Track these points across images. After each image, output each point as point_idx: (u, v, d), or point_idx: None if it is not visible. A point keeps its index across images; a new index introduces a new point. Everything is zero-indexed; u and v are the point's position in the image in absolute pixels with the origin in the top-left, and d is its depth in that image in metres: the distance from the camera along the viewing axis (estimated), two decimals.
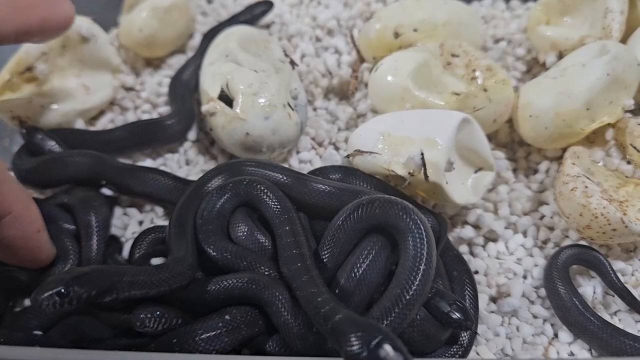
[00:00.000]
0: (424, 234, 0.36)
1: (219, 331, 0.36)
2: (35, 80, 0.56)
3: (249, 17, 0.64)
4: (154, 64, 0.63)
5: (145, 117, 0.59)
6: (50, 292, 0.32)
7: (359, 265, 0.37)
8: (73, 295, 0.33)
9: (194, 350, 0.35)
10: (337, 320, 0.32)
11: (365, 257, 0.37)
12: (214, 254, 0.41)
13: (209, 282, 0.39)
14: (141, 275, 0.36)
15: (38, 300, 0.33)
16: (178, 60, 0.63)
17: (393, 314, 0.34)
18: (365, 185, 0.48)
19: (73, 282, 0.33)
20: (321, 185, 0.44)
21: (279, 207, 0.41)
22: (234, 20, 0.63)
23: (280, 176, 0.45)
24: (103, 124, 0.58)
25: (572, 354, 0.45)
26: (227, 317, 0.37)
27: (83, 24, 0.56)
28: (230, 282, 0.38)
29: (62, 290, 0.33)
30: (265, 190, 0.42)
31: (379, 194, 0.43)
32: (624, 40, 0.61)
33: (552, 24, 0.63)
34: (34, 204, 0.41)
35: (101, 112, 0.59)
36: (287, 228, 0.40)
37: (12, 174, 0.50)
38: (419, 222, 0.36)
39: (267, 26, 0.68)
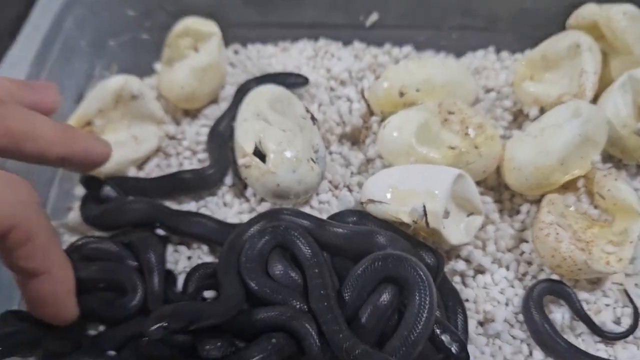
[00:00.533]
0: (427, 287, 0.45)
1: (269, 352, 0.46)
2: (93, 132, 0.64)
3: (283, 81, 0.70)
4: (191, 113, 0.72)
5: (186, 162, 0.68)
6: (158, 324, 0.43)
7: (376, 306, 0.46)
8: (171, 327, 0.43)
9: None
10: (357, 354, 0.42)
11: (381, 302, 0.46)
12: (256, 288, 0.50)
13: (258, 312, 0.48)
14: (212, 309, 0.46)
15: (149, 331, 0.43)
16: (212, 111, 0.71)
17: (401, 352, 0.43)
18: (376, 227, 0.57)
19: (172, 317, 0.43)
20: (340, 230, 0.54)
21: (310, 251, 0.51)
22: (267, 78, 0.70)
23: (308, 223, 0.55)
24: (150, 168, 0.67)
25: None
26: (273, 340, 0.47)
27: (134, 83, 0.64)
28: (275, 313, 0.48)
29: (165, 324, 0.43)
30: (299, 236, 0.52)
31: (388, 234, 0.54)
32: (597, 94, 0.67)
33: (536, 79, 0.71)
34: (70, 268, 0.45)
35: (148, 158, 0.68)
36: (316, 271, 0.49)
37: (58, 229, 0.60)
38: (424, 276, 0.45)
39: None
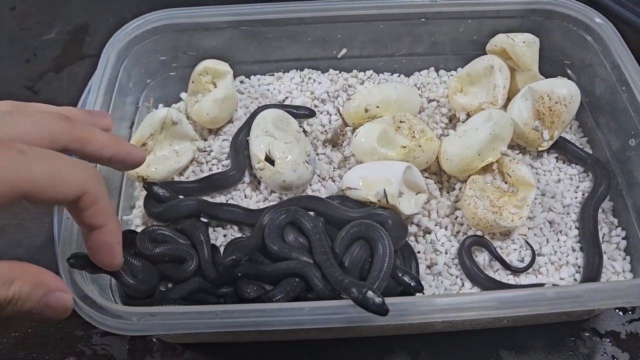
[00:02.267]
0: (386, 243, 0.66)
1: (288, 291, 0.66)
2: (147, 151, 0.84)
3: (293, 111, 0.89)
4: (214, 132, 0.92)
5: (214, 168, 0.87)
6: (230, 258, 0.66)
7: (354, 256, 0.68)
8: (237, 257, 0.67)
9: (275, 301, 0.66)
10: (346, 283, 0.59)
11: (357, 252, 0.68)
12: (276, 249, 0.70)
13: (279, 265, 0.69)
14: (251, 242, 0.71)
15: (226, 262, 0.67)
16: (229, 128, 0.91)
17: (375, 284, 0.63)
18: (352, 206, 0.79)
19: (237, 251, 0.67)
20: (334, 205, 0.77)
21: (312, 224, 0.71)
22: (279, 107, 0.89)
23: (315, 202, 0.78)
24: (188, 173, 0.87)
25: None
26: (291, 282, 0.67)
27: (173, 112, 0.84)
28: (292, 265, 0.68)
29: (234, 257, 0.66)
30: (304, 215, 0.72)
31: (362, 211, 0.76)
32: (507, 101, 0.86)
33: (464, 91, 0.90)
34: (119, 223, 0.55)
35: (186, 167, 0.87)
36: (317, 237, 0.69)
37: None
38: (384, 236, 0.66)
39: (284, 99, 0.96)
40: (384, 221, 0.74)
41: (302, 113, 0.91)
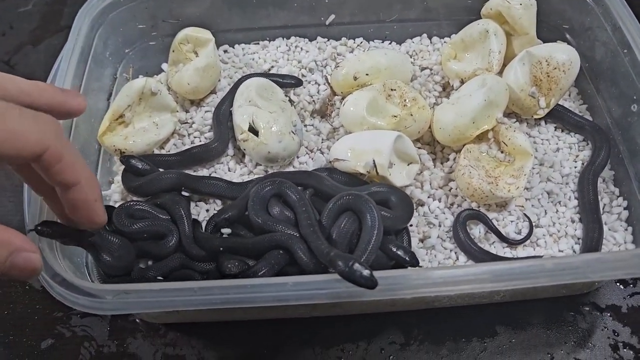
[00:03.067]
0: (375, 214, 0.63)
1: (272, 264, 0.64)
2: (124, 123, 0.80)
3: (279, 80, 0.86)
4: (196, 103, 0.88)
5: (196, 140, 0.84)
6: (222, 216, 0.67)
7: (341, 228, 0.65)
8: (231, 216, 0.66)
9: (259, 276, 0.63)
10: (332, 255, 0.57)
11: (345, 224, 0.65)
12: (260, 221, 0.67)
13: (263, 238, 0.66)
14: (239, 203, 0.70)
15: (216, 221, 0.67)
16: (212, 99, 0.88)
17: (363, 257, 0.61)
18: (342, 178, 0.76)
19: (228, 211, 0.67)
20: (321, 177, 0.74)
21: (298, 196, 0.67)
22: (264, 75, 0.86)
23: (301, 175, 0.75)
24: (169, 146, 0.84)
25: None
26: (274, 255, 0.65)
27: (152, 82, 0.80)
28: (275, 237, 0.65)
29: (226, 215, 0.65)
30: (290, 186, 0.68)
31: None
32: (503, 67, 0.82)
33: (458, 58, 0.87)
34: (96, 181, 0.51)
35: (168, 140, 0.84)
36: (303, 209, 0.66)
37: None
38: (372, 207, 0.64)
39: (269, 69, 0.93)
40: (387, 198, 0.71)
41: (288, 82, 0.88)
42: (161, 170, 0.78)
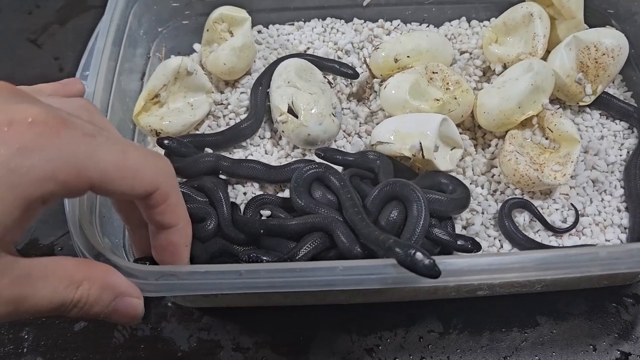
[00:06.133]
0: (422, 202, 0.62)
1: (313, 245, 0.63)
2: (159, 103, 0.79)
3: (335, 67, 0.84)
4: (231, 84, 0.87)
5: (232, 122, 0.82)
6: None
7: (390, 215, 0.63)
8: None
9: (298, 259, 0.62)
10: (390, 243, 0.54)
11: (392, 211, 0.63)
12: (302, 204, 0.66)
13: (306, 219, 0.65)
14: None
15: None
16: (247, 80, 0.86)
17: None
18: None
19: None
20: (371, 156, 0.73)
21: (341, 182, 0.66)
22: (318, 60, 0.84)
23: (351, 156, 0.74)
24: (204, 128, 0.82)
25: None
26: (314, 236, 0.64)
27: (188, 62, 0.79)
28: (317, 220, 0.64)
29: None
30: (332, 171, 0.67)
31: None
32: (547, 53, 0.81)
33: (499, 42, 0.85)
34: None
35: (202, 121, 0.83)
36: (349, 195, 0.64)
37: None
38: (419, 196, 0.62)
39: (305, 50, 0.91)
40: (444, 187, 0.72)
41: (345, 71, 0.84)
42: (197, 151, 0.76)
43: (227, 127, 0.82)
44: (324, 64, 0.84)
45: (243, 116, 0.84)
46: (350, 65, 0.86)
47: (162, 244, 0.49)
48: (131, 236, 0.57)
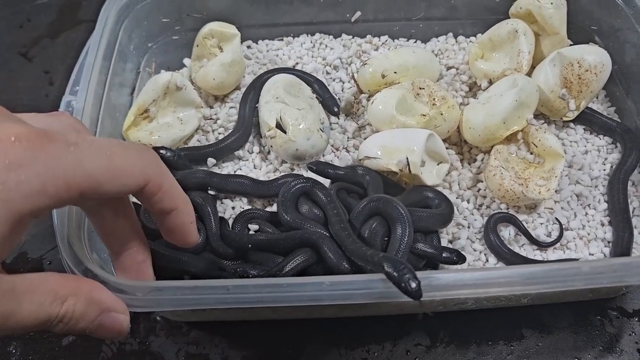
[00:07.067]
0: (406, 221, 0.62)
1: (300, 261, 0.63)
2: (149, 118, 0.80)
3: (318, 96, 0.84)
4: (220, 98, 0.88)
5: (221, 137, 0.83)
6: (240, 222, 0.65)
7: (372, 226, 0.64)
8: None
9: (284, 274, 0.63)
10: (380, 257, 0.54)
11: (375, 227, 0.64)
12: (289, 219, 0.67)
13: (292, 235, 0.65)
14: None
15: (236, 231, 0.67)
16: (237, 95, 0.86)
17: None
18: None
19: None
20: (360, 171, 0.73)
21: (328, 197, 0.66)
22: (308, 84, 0.85)
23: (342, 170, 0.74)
24: (194, 142, 0.83)
25: None
26: (301, 252, 0.64)
27: (178, 77, 0.80)
28: (305, 235, 0.64)
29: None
30: (319, 186, 0.68)
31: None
32: (532, 68, 0.82)
33: (485, 57, 0.86)
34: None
35: (192, 136, 0.83)
36: (335, 211, 0.65)
37: None
38: (404, 213, 0.63)
39: (294, 65, 0.92)
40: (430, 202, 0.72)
41: (329, 105, 0.84)
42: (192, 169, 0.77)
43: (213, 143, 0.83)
44: (312, 87, 0.85)
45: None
46: (337, 100, 0.86)
47: (170, 227, 0.50)
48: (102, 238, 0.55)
